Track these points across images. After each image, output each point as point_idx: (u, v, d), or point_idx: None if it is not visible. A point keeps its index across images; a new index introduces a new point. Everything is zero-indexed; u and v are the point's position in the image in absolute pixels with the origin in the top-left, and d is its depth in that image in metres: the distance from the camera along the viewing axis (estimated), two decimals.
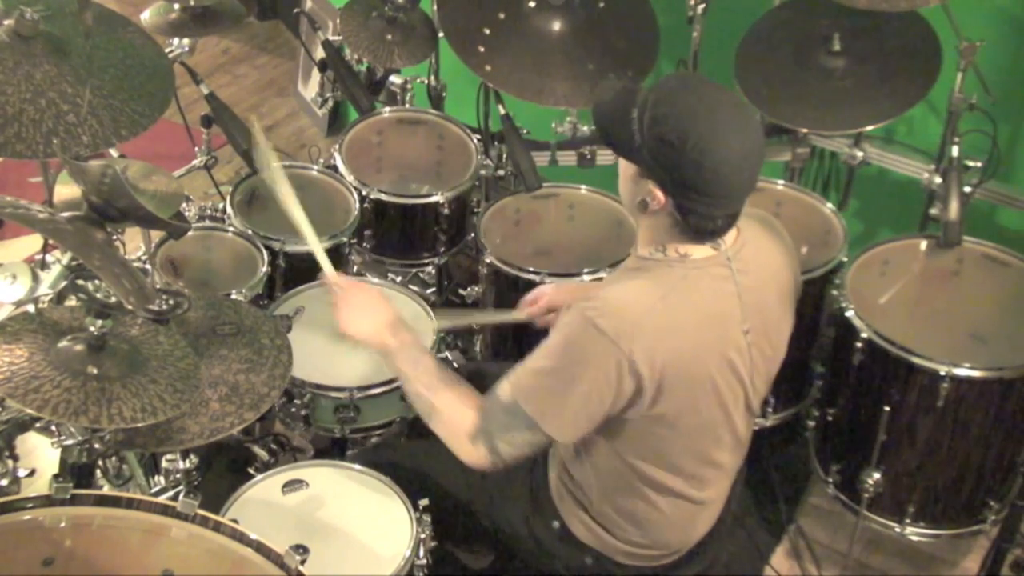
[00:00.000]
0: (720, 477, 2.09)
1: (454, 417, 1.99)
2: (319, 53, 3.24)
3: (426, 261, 3.07)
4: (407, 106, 3.37)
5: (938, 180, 2.81)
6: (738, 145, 1.80)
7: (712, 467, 2.04)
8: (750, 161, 1.84)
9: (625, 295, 1.88)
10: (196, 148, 3.20)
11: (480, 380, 2.47)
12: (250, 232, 2.78)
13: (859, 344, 2.57)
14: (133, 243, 3.10)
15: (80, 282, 2.03)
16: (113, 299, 1.86)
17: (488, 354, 2.93)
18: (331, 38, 3.20)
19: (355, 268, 2.95)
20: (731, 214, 1.87)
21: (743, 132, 1.82)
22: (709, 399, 1.92)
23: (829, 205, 2.88)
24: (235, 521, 1.79)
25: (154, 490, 2.37)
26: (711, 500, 2.11)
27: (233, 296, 2.57)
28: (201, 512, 1.76)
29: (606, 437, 1.98)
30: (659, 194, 1.84)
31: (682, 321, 1.86)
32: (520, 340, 2.79)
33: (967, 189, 2.68)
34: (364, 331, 2.12)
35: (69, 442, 2.07)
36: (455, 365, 2.60)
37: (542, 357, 1.92)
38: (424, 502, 2.13)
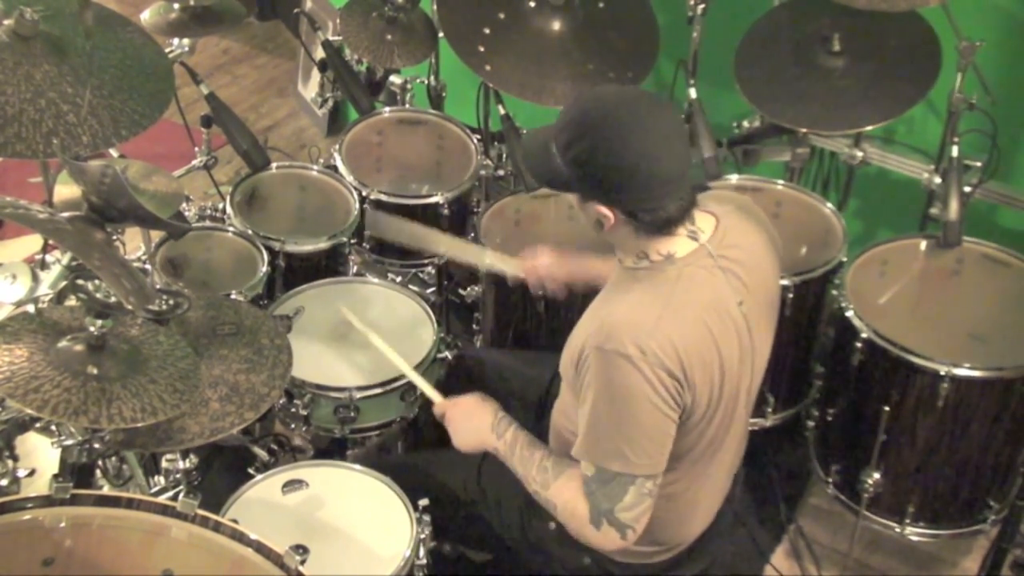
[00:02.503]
0: (719, 471, 2.09)
1: (574, 510, 1.96)
2: (319, 53, 3.24)
3: (426, 261, 3.06)
4: (407, 106, 3.37)
5: (938, 180, 2.80)
6: (649, 133, 1.81)
7: (712, 461, 2.04)
8: (671, 141, 1.84)
9: (631, 313, 1.88)
10: (196, 148, 3.20)
11: (479, 368, 2.47)
12: (250, 232, 2.78)
13: (859, 344, 2.57)
14: (133, 243, 3.09)
15: (80, 282, 2.02)
16: (113, 299, 1.85)
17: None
18: (331, 38, 3.20)
19: (355, 268, 2.95)
20: (682, 198, 1.87)
21: (650, 119, 1.82)
22: (720, 390, 1.93)
23: (829, 205, 2.87)
24: (235, 521, 1.78)
25: (154, 490, 2.37)
26: (708, 495, 2.11)
27: (233, 296, 2.57)
28: (201, 512, 1.76)
29: None
30: (604, 210, 1.87)
31: (690, 318, 1.87)
32: (519, 335, 2.79)
33: (967, 189, 2.69)
34: (472, 444, 2.14)
35: (69, 442, 2.07)
36: (448, 357, 2.60)
37: (592, 415, 1.89)
38: (424, 502, 2.13)
